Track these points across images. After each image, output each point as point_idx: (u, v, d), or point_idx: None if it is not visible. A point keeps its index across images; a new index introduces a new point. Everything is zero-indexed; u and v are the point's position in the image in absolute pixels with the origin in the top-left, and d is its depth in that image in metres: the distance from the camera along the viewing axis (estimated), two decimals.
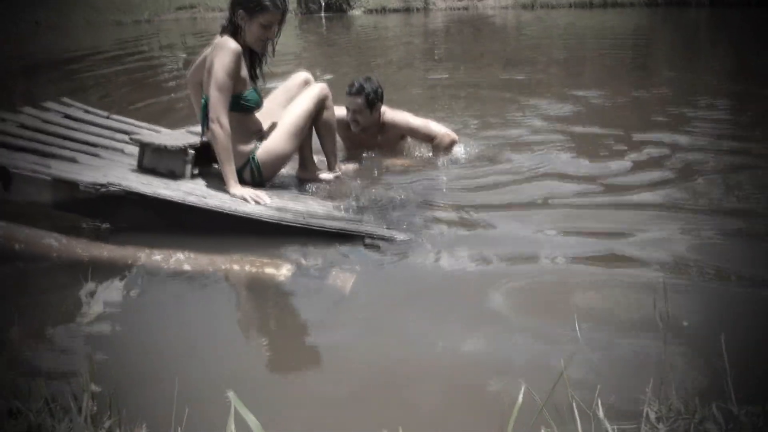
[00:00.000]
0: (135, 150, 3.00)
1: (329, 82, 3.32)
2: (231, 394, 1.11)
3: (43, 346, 1.94)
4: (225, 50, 2.75)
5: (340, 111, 3.43)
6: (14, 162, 2.61)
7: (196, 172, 2.97)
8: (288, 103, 3.11)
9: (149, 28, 15.18)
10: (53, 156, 2.85)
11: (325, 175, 3.26)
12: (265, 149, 2.96)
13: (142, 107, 5.50)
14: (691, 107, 4.85)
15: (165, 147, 2.86)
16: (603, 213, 2.84)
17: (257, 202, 2.75)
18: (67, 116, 3.43)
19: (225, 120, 2.75)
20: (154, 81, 7.31)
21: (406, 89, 6.23)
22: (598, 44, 9.55)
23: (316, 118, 3.14)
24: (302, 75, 3.22)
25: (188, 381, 1.69)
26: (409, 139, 3.74)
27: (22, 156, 2.74)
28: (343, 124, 3.49)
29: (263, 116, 3.04)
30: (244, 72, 2.87)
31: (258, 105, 2.96)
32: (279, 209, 2.72)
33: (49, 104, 3.54)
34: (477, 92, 5.97)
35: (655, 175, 3.26)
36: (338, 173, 3.29)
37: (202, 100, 2.91)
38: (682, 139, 3.89)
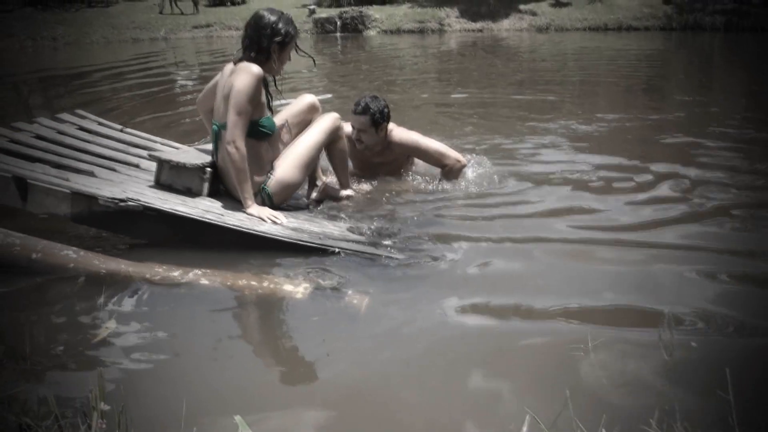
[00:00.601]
0: (151, 165, 3.02)
1: (335, 102, 3.31)
2: (237, 418, 1.10)
3: (55, 361, 1.93)
4: (248, 74, 2.76)
5: (346, 127, 3.43)
6: (33, 174, 2.62)
7: None
8: (294, 127, 3.13)
9: (165, 45, 15.35)
10: (70, 169, 2.87)
11: (341, 193, 3.29)
12: (276, 180, 2.97)
13: (147, 120, 5.54)
14: (708, 135, 4.74)
15: (184, 164, 2.87)
16: (613, 251, 2.76)
17: (274, 222, 2.76)
18: (82, 128, 3.46)
19: (241, 143, 2.76)
20: (163, 96, 7.39)
21: (417, 109, 6.22)
22: (612, 67, 9.51)
23: (330, 147, 3.18)
24: (307, 98, 3.23)
25: (197, 400, 1.69)
26: (417, 161, 3.71)
27: (40, 167, 2.76)
28: (349, 141, 3.48)
29: (271, 140, 3.03)
30: (264, 97, 2.89)
31: (273, 131, 2.97)
32: (295, 229, 2.73)
33: (65, 116, 3.58)
34: (489, 113, 5.92)
35: (670, 211, 3.14)
36: (351, 193, 3.31)
37: (214, 126, 2.92)
38: (699, 172, 3.74)
